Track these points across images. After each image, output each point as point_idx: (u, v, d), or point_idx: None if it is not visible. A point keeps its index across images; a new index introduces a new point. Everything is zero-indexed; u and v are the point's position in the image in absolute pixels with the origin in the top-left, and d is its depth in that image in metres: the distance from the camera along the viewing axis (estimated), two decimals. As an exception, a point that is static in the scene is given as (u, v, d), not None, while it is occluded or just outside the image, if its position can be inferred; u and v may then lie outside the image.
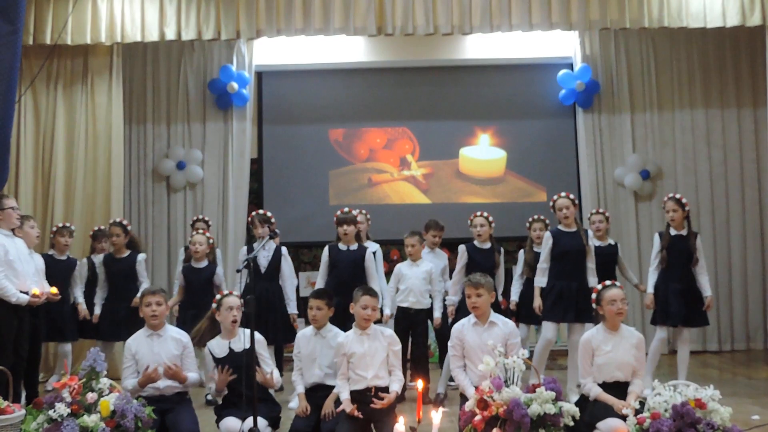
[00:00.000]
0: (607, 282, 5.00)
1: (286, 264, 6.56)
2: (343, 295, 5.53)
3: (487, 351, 4.44)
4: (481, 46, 9.12)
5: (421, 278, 6.46)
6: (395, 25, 7.28)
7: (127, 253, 6.97)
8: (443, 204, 9.30)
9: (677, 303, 6.26)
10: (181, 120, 9.02)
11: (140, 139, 8.97)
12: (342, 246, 6.38)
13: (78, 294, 7.03)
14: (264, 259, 6.50)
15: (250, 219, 6.60)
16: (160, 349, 4.99)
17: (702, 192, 8.85)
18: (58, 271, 6.73)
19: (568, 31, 7.84)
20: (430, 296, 6.57)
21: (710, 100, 8.96)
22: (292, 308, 6.53)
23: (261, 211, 6.65)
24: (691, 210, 8.64)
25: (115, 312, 6.85)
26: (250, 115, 9.11)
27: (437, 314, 6.49)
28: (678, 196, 6.48)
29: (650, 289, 6.40)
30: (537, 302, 6.26)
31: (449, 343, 5.10)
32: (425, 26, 7.30)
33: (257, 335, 5.09)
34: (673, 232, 6.40)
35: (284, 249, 6.61)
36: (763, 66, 7.88)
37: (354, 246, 6.39)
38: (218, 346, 5.04)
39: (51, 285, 6.12)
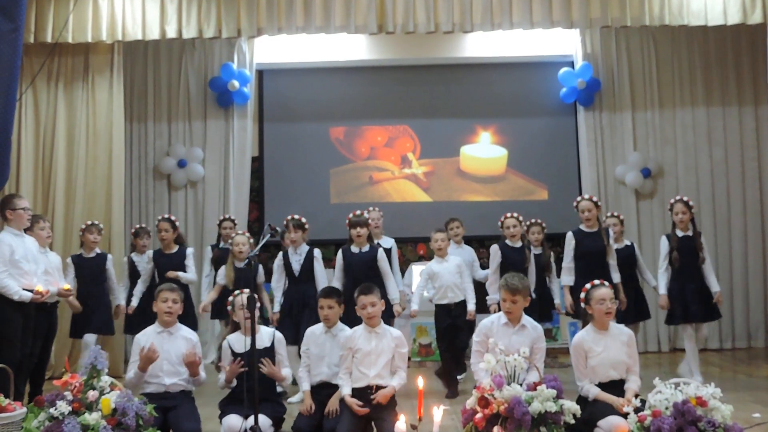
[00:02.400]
0: (596, 282, 5.01)
1: (319, 266, 6.56)
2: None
3: (515, 352, 4.43)
4: (482, 45, 9.11)
5: (453, 272, 6.49)
6: (396, 23, 7.27)
7: (176, 248, 7.12)
8: (444, 202, 9.29)
9: (695, 301, 6.47)
10: (182, 118, 9.02)
11: (141, 137, 8.98)
12: (354, 248, 6.45)
13: (119, 295, 7.15)
14: (296, 264, 6.49)
15: (285, 224, 6.62)
16: (169, 346, 5.01)
17: (703, 190, 8.84)
18: (87, 269, 6.88)
19: (569, 29, 7.82)
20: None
21: (711, 97, 8.95)
22: None
23: (296, 216, 6.63)
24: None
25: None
26: (251, 113, 9.11)
27: (471, 306, 6.47)
28: (686, 198, 6.69)
29: (663, 290, 6.58)
30: (568, 300, 6.44)
31: (475, 338, 5.09)
32: (426, 24, 7.29)
33: (277, 334, 5.15)
34: (679, 233, 6.59)
35: (317, 251, 6.63)
36: (764, 64, 7.88)
37: (366, 247, 6.45)
38: (239, 341, 5.05)
39: (81, 283, 6.47)
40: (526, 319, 5.02)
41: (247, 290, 5.24)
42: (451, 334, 6.43)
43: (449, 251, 6.76)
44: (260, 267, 7.08)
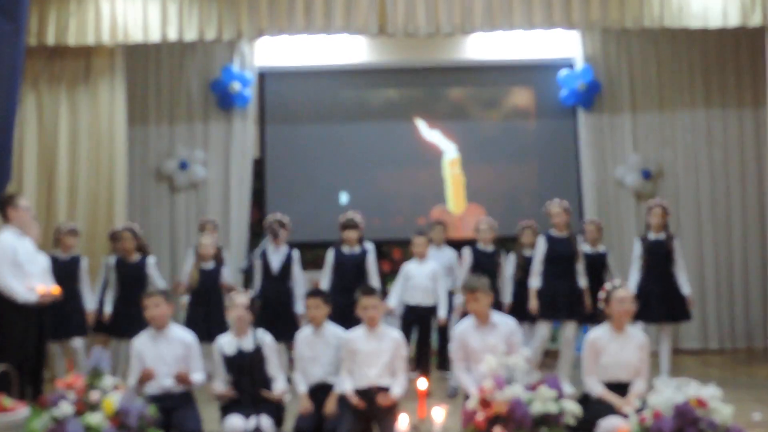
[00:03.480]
0: (616, 282, 5.04)
1: (297, 267, 6.73)
2: (347, 295, 5.60)
3: (489, 351, 4.45)
4: (482, 47, 9.13)
5: (427, 277, 6.65)
6: (397, 25, 7.29)
7: (138, 256, 7.00)
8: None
9: (660, 302, 6.55)
10: (184, 120, 9.03)
11: (143, 140, 8.98)
12: (345, 249, 6.60)
13: (89, 299, 6.94)
14: (276, 261, 6.64)
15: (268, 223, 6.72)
16: (164, 350, 5.01)
17: (703, 191, 8.86)
18: (61, 270, 6.65)
19: (569, 30, 7.84)
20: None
21: (711, 99, 8.96)
22: (299, 308, 6.65)
23: (278, 216, 6.79)
24: (691, 209, 8.80)
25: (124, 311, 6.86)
26: (253, 116, 9.12)
27: (442, 313, 6.62)
28: (665, 203, 6.87)
29: (632, 290, 6.51)
30: (532, 303, 6.54)
31: (451, 346, 5.12)
32: (426, 26, 7.30)
33: (268, 337, 5.13)
34: (651, 236, 6.70)
35: (295, 252, 6.80)
36: (763, 66, 7.88)
37: (357, 249, 6.61)
38: (228, 344, 5.06)
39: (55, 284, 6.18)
40: (495, 316, 5.04)
41: (243, 290, 5.28)
42: (408, 335, 6.52)
43: (430, 253, 6.93)
44: (223, 268, 7.10)
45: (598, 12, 7.29)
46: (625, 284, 5.08)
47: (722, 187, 8.88)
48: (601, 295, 5.00)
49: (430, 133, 9.46)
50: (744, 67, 8.92)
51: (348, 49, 9.11)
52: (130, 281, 6.88)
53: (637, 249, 6.76)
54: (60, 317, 6.58)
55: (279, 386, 5.05)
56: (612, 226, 8.67)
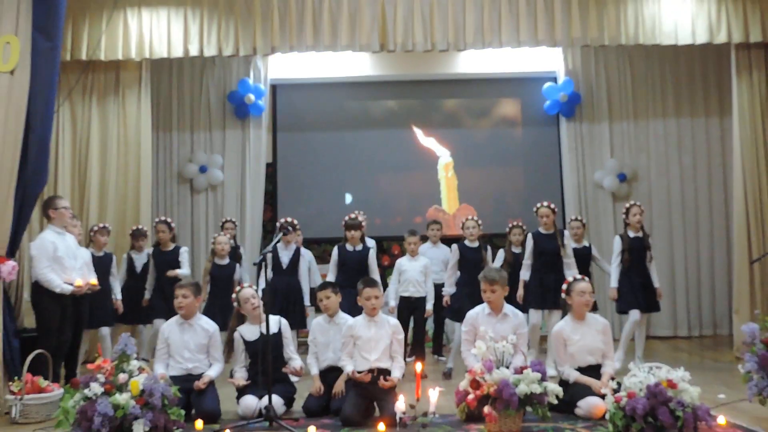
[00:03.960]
0: (577, 276, 5.06)
1: (304, 263, 6.74)
2: (352, 288, 5.57)
3: (499, 339, 4.46)
4: (474, 62, 9.13)
5: (419, 271, 6.71)
6: (396, 42, 7.27)
7: (172, 246, 7.14)
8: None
9: (641, 293, 6.63)
10: (204, 128, 9.04)
11: (167, 146, 9.00)
12: (349, 247, 6.59)
13: (117, 290, 7.00)
14: (285, 257, 6.64)
15: (279, 225, 6.68)
16: (189, 336, 5.04)
17: (673, 193, 8.85)
18: (96, 267, 6.66)
19: (552, 47, 7.82)
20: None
21: (681, 110, 8.95)
22: (306, 300, 6.65)
23: (289, 219, 6.74)
24: (663, 209, 8.80)
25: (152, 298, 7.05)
26: (266, 124, 9.12)
27: (429, 306, 6.70)
28: (639, 203, 6.89)
29: (614, 284, 6.73)
30: (520, 292, 6.57)
31: (463, 328, 5.13)
32: (423, 43, 7.28)
33: (283, 321, 5.18)
34: (631, 234, 6.73)
35: (303, 250, 6.83)
36: (728, 79, 7.88)
37: (359, 246, 6.60)
38: (249, 331, 5.12)
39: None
40: (508, 308, 5.07)
41: (253, 284, 5.29)
42: (405, 324, 6.51)
43: (426, 250, 7.07)
44: (237, 265, 7.13)
45: (579, 31, 7.27)
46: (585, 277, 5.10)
47: (691, 189, 8.88)
48: (564, 287, 5.02)
49: (426, 140, 9.46)
50: (711, 81, 8.91)
51: (352, 64, 9.11)
52: (164, 269, 7.00)
53: (617, 246, 6.74)
54: (96, 308, 6.63)
55: (296, 364, 5.12)
56: (591, 224, 8.67)
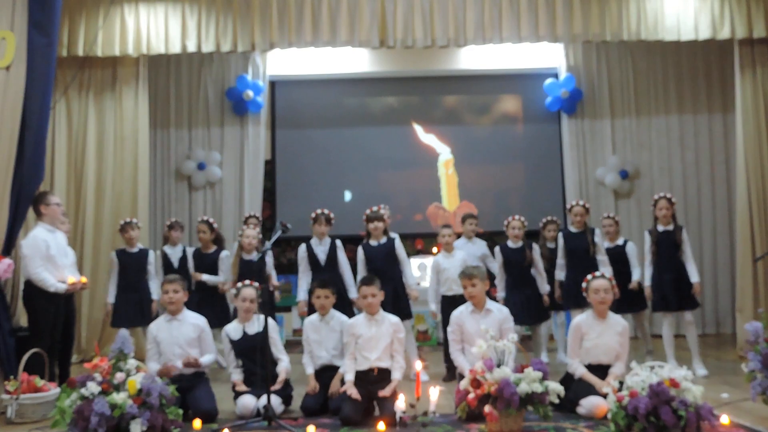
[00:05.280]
0: (597, 273, 5.04)
1: (342, 255, 6.41)
2: (383, 283, 5.39)
3: (483, 335, 4.45)
4: (474, 58, 9.11)
5: (458, 267, 6.17)
6: (396, 38, 7.25)
7: (213, 248, 6.95)
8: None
9: (672, 291, 6.27)
10: (202, 125, 9.03)
11: (164, 142, 8.98)
12: (373, 242, 6.32)
13: (154, 289, 6.79)
14: (322, 254, 6.34)
15: (314, 217, 6.48)
16: (178, 332, 5.02)
17: (676, 190, 8.82)
18: (130, 264, 6.70)
19: (553, 43, 7.80)
20: None
21: (684, 106, 8.94)
22: (353, 293, 6.28)
23: (326, 211, 6.48)
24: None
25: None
26: (264, 121, 9.11)
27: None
28: (669, 195, 6.47)
29: (648, 282, 6.40)
30: (557, 293, 6.58)
31: (449, 328, 5.12)
32: (423, 39, 7.27)
33: (271, 321, 5.13)
34: (660, 228, 6.40)
35: (338, 242, 6.46)
36: (731, 75, 7.86)
37: (383, 240, 6.32)
38: (234, 330, 5.13)
39: (127, 277, 6.45)
40: (491, 304, 5.05)
41: (248, 281, 5.26)
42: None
43: (461, 245, 6.74)
44: (269, 259, 6.88)
45: (580, 26, 7.26)
46: (603, 275, 5.06)
47: (694, 186, 8.87)
48: (583, 285, 5.01)
49: (426, 137, 9.45)
50: (714, 77, 8.90)
51: (351, 60, 9.10)
52: (207, 271, 6.82)
53: (648, 242, 6.44)
54: (132, 307, 6.64)
55: (283, 366, 5.07)
56: (592, 222, 8.61)
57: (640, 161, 8.90)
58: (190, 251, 7.13)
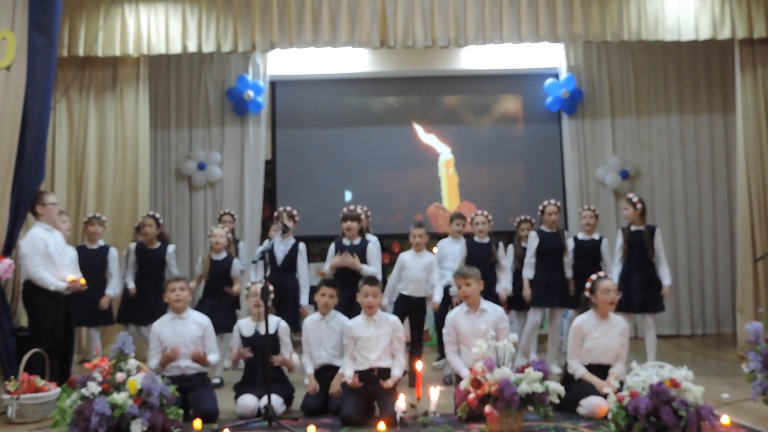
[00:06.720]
0: (601, 273, 5.05)
1: (302, 260, 6.36)
2: (348, 285, 5.56)
3: (479, 335, 4.45)
4: (475, 58, 9.11)
5: (421, 269, 6.19)
6: (396, 38, 7.25)
7: (158, 244, 6.80)
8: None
9: (638, 292, 6.17)
10: (202, 125, 9.03)
11: (165, 142, 8.98)
12: (346, 241, 6.20)
13: (112, 285, 6.71)
14: (281, 253, 6.32)
15: (276, 214, 6.48)
16: (183, 330, 5.03)
17: (676, 190, 8.84)
18: (89, 260, 6.49)
19: (554, 43, 7.81)
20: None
21: (684, 106, 8.93)
22: (303, 300, 6.30)
23: (288, 208, 6.50)
24: (665, 207, 8.77)
25: (144, 298, 6.64)
26: (265, 121, 9.10)
27: (437, 298, 6.18)
28: (630, 195, 6.50)
29: (615, 281, 6.18)
30: (526, 292, 6.48)
31: (444, 330, 5.13)
32: (424, 39, 7.27)
33: (283, 323, 5.16)
34: (632, 227, 6.36)
35: (302, 245, 6.42)
36: (732, 75, 7.86)
37: (357, 240, 6.21)
38: (246, 326, 5.16)
39: (84, 274, 6.03)
40: (485, 304, 5.05)
41: (260, 280, 5.27)
42: (403, 320, 6.07)
43: (446, 244, 6.76)
44: (235, 260, 6.68)
45: (581, 26, 7.26)
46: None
47: (694, 186, 8.86)
48: (588, 284, 5.00)
49: (426, 137, 9.45)
50: (714, 77, 8.89)
51: (352, 60, 9.10)
52: (151, 267, 6.69)
53: (619, 240, 6.42)
54: (91, 305, 6.55)
55: (294, 358, 5.17)
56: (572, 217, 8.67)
57: (641, 161, 8.90)
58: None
